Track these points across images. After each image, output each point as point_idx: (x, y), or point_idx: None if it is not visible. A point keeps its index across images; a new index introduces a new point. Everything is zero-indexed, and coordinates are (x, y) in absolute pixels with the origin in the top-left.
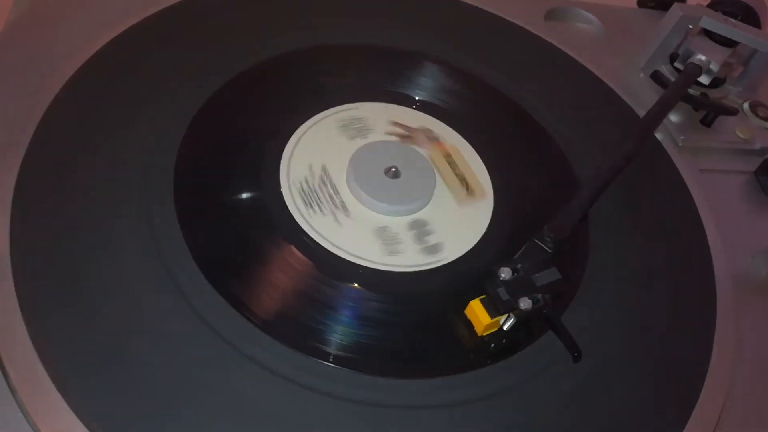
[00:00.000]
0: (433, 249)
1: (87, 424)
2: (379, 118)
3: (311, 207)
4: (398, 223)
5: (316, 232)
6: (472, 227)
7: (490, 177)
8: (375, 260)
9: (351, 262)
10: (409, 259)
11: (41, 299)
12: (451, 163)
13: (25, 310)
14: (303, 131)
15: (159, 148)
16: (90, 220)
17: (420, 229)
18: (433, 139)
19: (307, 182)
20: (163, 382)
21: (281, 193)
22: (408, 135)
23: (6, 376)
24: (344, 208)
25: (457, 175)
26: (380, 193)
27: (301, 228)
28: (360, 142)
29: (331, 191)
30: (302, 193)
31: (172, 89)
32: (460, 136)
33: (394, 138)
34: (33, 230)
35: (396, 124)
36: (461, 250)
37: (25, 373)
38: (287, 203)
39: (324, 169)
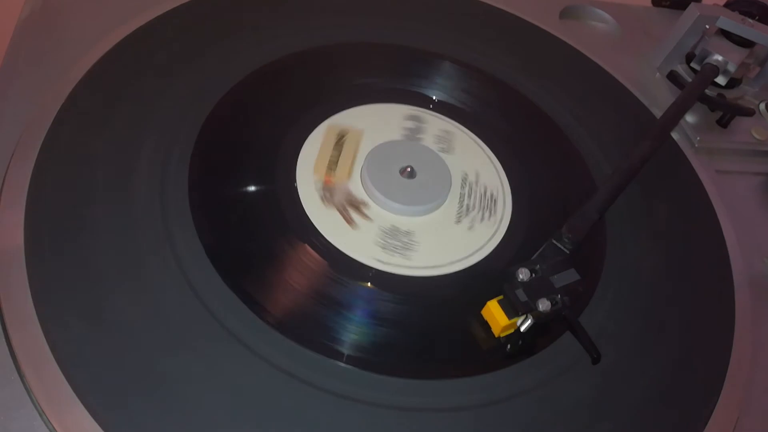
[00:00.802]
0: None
1: (99, 421)
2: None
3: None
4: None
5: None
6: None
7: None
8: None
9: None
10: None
11: (55, 294)
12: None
13: (38, 305)
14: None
15: (175, 146)
16: (104, 217)
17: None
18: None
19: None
20: (174, 379)
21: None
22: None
23: (21, 376)
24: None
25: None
26: (397, 193)
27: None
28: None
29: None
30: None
31: (188, 87)
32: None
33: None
34: (47, 226)
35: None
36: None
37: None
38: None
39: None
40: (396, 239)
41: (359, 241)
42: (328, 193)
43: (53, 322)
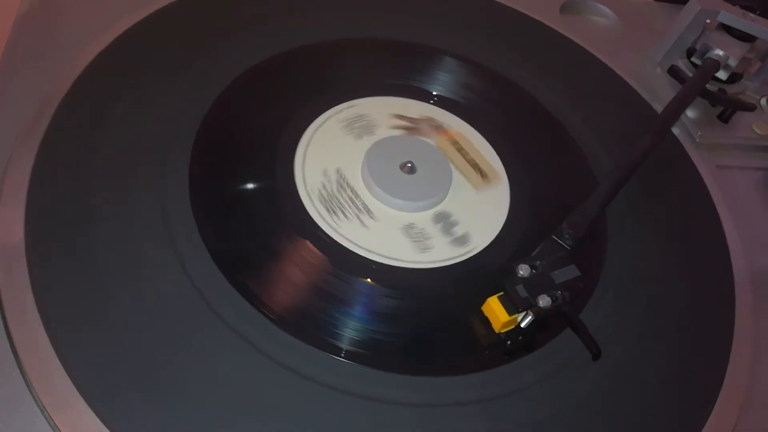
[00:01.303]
0: (462, 240)
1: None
2: (380, 112)
3: (335, 213)
4: (423, 219)
5: (345, 238)
6: (495, 212)
7: (507, 173)
8: (409, 259)
9: (373, 261)
10: (440, 253)
11: (56, 290)
12: (460, 150)
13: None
14: (309, 136)
15: (175, 141)
16: (105, 215)
17: (445, 221)
18: (437, 127)
19: (325, 188)
20: (175, 375)
21: (296, 186)
22: (412, 126)
23: (23, 372)
24: (367, 210)
25: (468, 161)
26: (400, 190)
27: (315, 224)
28: (367, 140)
29: (351, 194)
30: (323, 200)
31: (186, 83)
32: (474, 130)
33: (398, 131)
34: (48, 222)
35: (398, 117)
36: (490, 237)
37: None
38: (311, 214)
39: (339, 172)
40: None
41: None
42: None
43: (55, 318)
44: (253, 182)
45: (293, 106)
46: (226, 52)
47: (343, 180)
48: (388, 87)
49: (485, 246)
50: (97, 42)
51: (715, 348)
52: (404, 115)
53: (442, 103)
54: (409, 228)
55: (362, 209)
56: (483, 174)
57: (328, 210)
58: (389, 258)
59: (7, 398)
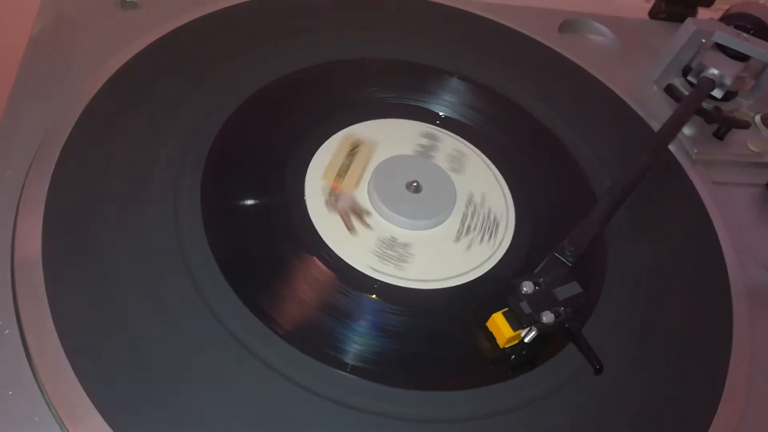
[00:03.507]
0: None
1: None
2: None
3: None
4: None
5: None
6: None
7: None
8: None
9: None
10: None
11: (73, 307)
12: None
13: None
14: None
15: (189, 156)
16: (119, 229)
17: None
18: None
19: (334, 199)
20: (181, 384)
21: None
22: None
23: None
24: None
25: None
26: (402, 207)
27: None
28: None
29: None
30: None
31: (200, 100)
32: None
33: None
34: (64, 236)
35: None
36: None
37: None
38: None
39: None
40: (392, 250)
41: (356, 248)
42: (333, 198)
43: (70, 331)
44: (263, 197)
45: (311, 123)
46: (242, 69)
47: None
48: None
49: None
50: (111, 62)
51: (713, 362)
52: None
53: (447, 124)
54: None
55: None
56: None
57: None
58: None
59: (24, 409)
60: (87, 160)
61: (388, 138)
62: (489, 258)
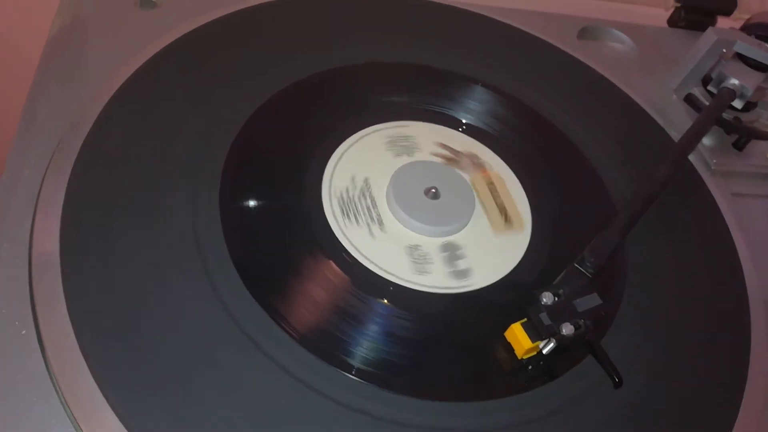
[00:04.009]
0: (461, 274)
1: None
2: (426, 138)
3: (348, 217)
4: (431, 244)
5: (348, 240)
6: (505, 257)
7: (527, 196)
8: (402, 277)
9: (381, 277)
10: (436, 280)
11: (90, 306)
12: (493, 191)
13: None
14: (351, 143)
15: (207, 156)
16: (136, 228)
17: (452, 253)
18: (478, 165)
19: (347, 192)
20: (195, 385)
21: (322, 203)
22: (453, 158)
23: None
24: (380, 222)
25: (497, 203)
26: (417, 212)
27: (336, 238)
28: (405, 160)
29: (370, 204)
30: (341, 202)
31: (222, 98)
32: (494, 153)
33: (438, 159)
34: (82, 237)
35: (443, 145)
36: (489, 279)
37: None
38: (325, 210)
39: (366, 181)
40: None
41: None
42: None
43: (87, 330)
44: (280, 198)
45: (339, 115)
46: (261, 71)
47: (367, 189)
48: (421, 112)
49: (483, 286)
50: (131, 62)
51: (732, 374)
52: (448, 145)
53: (469, 131)
54: (413, 249)
55: (375, 220)
56: (507, 219)
57: (342, 211)
58: (385, 271)
59: (39, 408)
60: (105, 159)
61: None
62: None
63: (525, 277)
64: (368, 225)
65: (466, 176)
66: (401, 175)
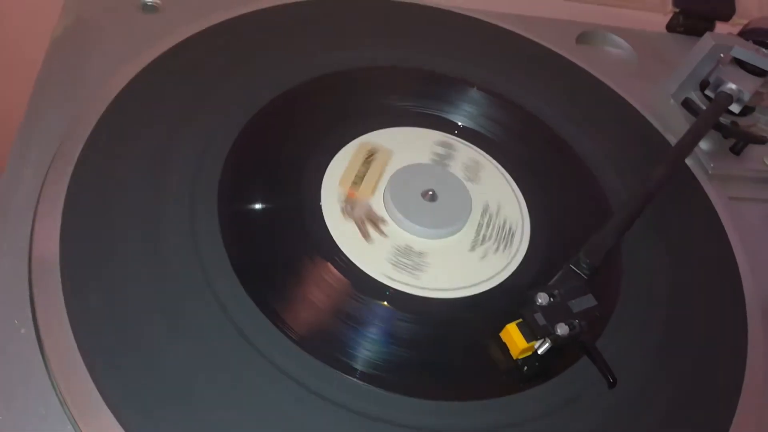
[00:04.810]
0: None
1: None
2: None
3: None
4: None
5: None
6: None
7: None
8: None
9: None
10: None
11: (89, 308)
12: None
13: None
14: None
15: (205, 162)
16: (136, 230)
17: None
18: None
19: (350, 205)
20: (192, 386)
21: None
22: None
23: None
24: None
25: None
26: (417, 215)
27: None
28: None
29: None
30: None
31: (219, 104)
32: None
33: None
34: (82, 239)
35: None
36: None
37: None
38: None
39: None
40: (407, 258)
41: (371, 255)
42: (349, 206)
43: (86, 331)
44: (278, 201)
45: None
46: (260, 75)
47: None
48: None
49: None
50: (133, 64)
51: (728, 377)
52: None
53: (465, 134)
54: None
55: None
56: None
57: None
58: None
59: (37, 408)
60: (106, 162)
61: (404, 146)
62: (504, 268)
63: (522, 279)
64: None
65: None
66: (398, 178)
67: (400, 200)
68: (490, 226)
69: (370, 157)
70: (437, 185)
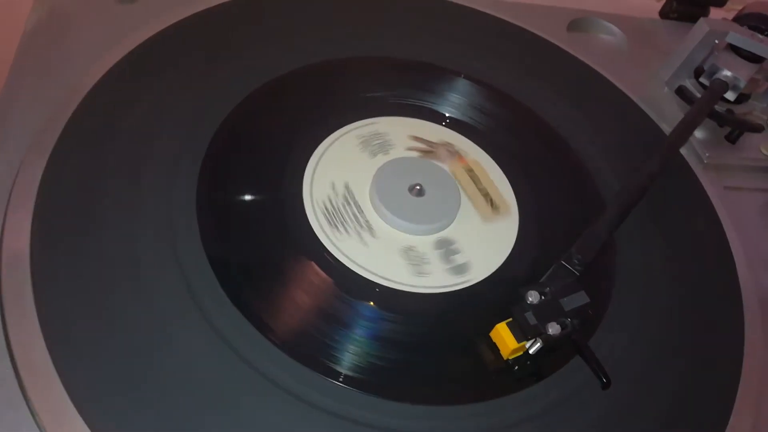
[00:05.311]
0: (460, 269)
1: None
2: (399, 132)
3: (336, 227)
4: (424, 243)
5: (342, 253)
6: (499, 244)
7: (514, 192)
8: (402, 281)
9: (376, 283)
10: (437, 279)
11: (59, 305)
12: (474, 179)
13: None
14: (324, 149)
15: (183, 155)
16: (112, 231)
17: (446, 248)
18: (454, 153)
19: (330, 201)
20: (177, 397)
21: (302, 200)
22: (429, 150)
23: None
24: (369, 228)
25: (480, 190)
26: (405, 212)
27: (326, 248)
28: (382, 159)
29: (356, 210)
30: (326, 213)
31: (197, 97)
32: (480, 149)
33: (414, 153)
34: (54, 235)
35: (416, 138)
36: (489, 270)
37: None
38: (312, 224)
39: (347, 187)
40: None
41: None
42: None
43: (56, 329)
44: (259, 192)
45: (310, 118)
46: (242, 66)
47: (350, 195)
48: (404, 107)
49: (483, 278)
50: (109, 56)
51: (725, 370)
52: (422, 137)
53: (453, 125)
54: (408, 250)
55: (364, 226)
56: (494, 205)
57: (329, 223)
58: (384, 279)
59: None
60: (81, 155)
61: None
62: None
63: (517, 269)
64: (358, 233)
65: (444, 166)
66: (383, 175)
67: (386, 195)
68: None
69: (471, 173)
70: (424, 179)
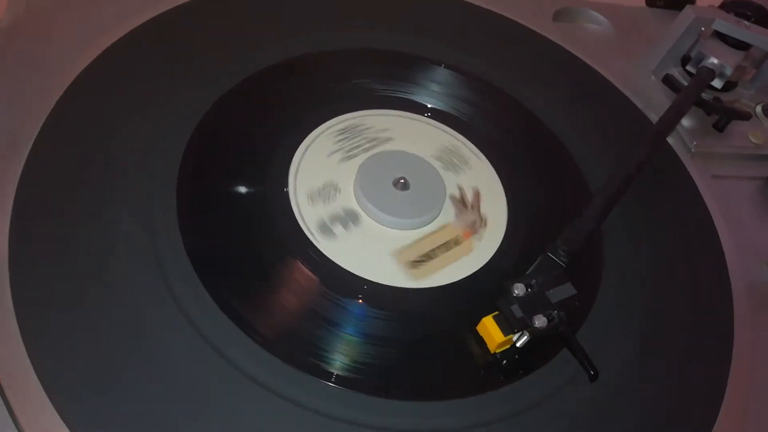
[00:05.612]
0: None
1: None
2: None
3: (325, 233)
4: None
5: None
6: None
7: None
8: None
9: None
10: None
11: (38, 307)
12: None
13: (20, 317)
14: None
15: (162, 153)
16: (91, 227)
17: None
18: (472, 227)
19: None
20: (159, 398)
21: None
22: (463, 206)
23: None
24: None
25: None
26: (389, 206)
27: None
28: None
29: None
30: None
31: (177, 91)
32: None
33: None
34: (33, 235)
35: (462, 193)
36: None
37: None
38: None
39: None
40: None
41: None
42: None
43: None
44: (242, 188)
45: (291, 116)
46: (221, 60)
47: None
48: (387, 99)
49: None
50: (86, 54)
51: (714, 360)
52: (467, 197)
53: (436, 115)
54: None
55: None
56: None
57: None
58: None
59: None
60: (59, 154)
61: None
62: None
63: (502, 265)
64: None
65: (452, 219)
66: (367, 169)
67: (370, 190)
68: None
69: (450, 243)
70: (408, 172)
